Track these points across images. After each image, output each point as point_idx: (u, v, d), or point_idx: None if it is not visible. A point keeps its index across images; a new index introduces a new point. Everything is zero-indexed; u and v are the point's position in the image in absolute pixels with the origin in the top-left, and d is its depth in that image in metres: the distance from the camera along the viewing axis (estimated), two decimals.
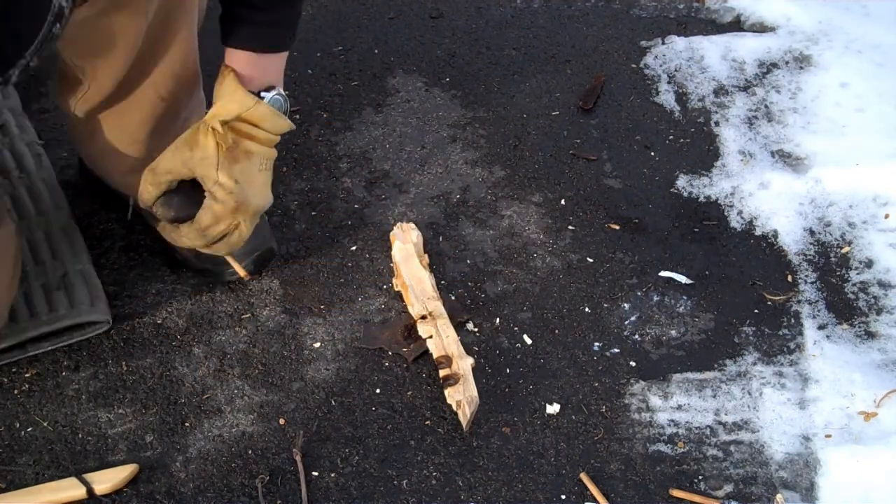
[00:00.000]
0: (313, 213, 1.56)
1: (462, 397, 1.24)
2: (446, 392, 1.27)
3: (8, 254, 1.14)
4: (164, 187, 1.18)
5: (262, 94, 1.17)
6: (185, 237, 1.19)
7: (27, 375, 1.29)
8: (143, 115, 1.22)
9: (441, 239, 1.54)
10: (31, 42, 0.81)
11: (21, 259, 1.16)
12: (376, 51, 1.90)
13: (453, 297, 1.44)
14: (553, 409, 1.30)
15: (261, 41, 1.17)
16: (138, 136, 1.25)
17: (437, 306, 1.36)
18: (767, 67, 1.89)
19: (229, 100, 1.14)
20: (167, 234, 1.20)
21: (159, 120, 1.24)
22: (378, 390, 1.31)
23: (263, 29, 1.17)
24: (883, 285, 1.49)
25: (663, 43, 1.96)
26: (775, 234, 1.57)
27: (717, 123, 1.78)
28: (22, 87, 1.67)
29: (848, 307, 1.46)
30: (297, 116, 1.74)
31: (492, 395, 1.32)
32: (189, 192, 1.18)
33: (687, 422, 1.30)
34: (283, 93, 1.19)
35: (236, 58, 1.17)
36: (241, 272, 1.33)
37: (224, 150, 1.13)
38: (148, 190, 1.19)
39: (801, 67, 1.88)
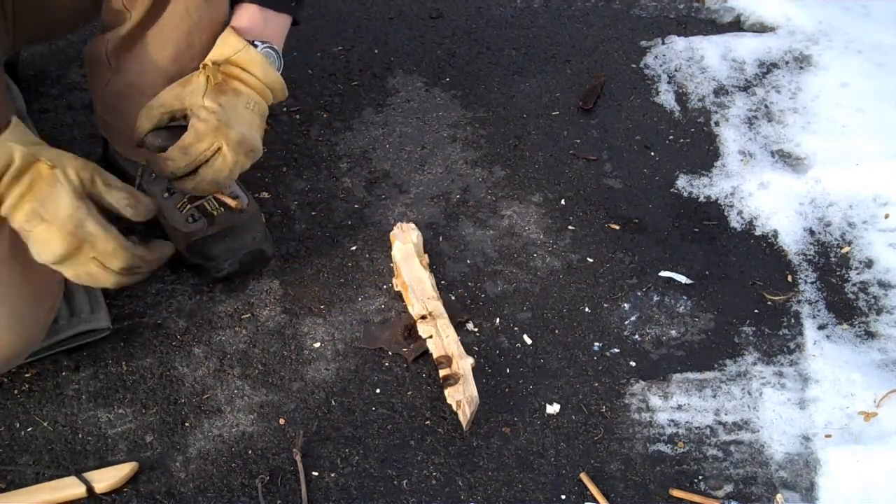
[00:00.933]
0: (313, 213, 1.56)
1: (462, 397, 1.24)
2: (446, 392, 1.27)
3: (52, 283, 1.16)
4: (155, 121, 1.22)
5: (256, 42, 1.22)
6: (170, 160, 1.21)
7: (27, 375, 1.29)
8: (170, 36, 1.25)
9: (441, 239, 1.54)
10: None
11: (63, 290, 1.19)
12: (376, 51, 1.90)
13: (453, 297, 1.44)
14: (553, 409, 1.30)
15: None
16: (162, 63, 1.27)
17: (437, 306, 1.36)
18: (767, 67, 1.89)
19: (222, 43, 1.21)
20: (157, 167, 1.23)
21: (181, 43, 1.26)
22: (378, 390, 1.31)
23: None
24: (883, 285, 1.49)
25: (663, 43, 1.96)
26: (775, 234, 1.57)
27: (717, 123, 1.78)
28: (23, 88, 1.68)
29: (848, 307, 1.46)
30: (297, 116, 1.74)
31: (492, 395, 1.32)
32: (179, 132, 1.23)
33: (687, 422, 1.30)
34: (276, 49, 1.23)
35: (240, 12, 1.23)
36: (231, 202, 1.33)
37: (213, 84, 1.19)
38: (141, 123, 1.23)
39: (801, 67, 1.88)
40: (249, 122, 1.22)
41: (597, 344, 1.40)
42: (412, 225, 1.51)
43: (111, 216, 1.11)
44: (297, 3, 1.27)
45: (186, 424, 1.26)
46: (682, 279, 1.49)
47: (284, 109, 1.75)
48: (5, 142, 1.01)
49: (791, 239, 1.56)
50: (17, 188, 1.03)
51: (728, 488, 1.23)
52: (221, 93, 1.19)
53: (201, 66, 1.21)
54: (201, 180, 1.23)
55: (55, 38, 1.80)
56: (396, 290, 1.44)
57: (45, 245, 1.05)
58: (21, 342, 1.12)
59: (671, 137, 1.76)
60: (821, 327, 1.43)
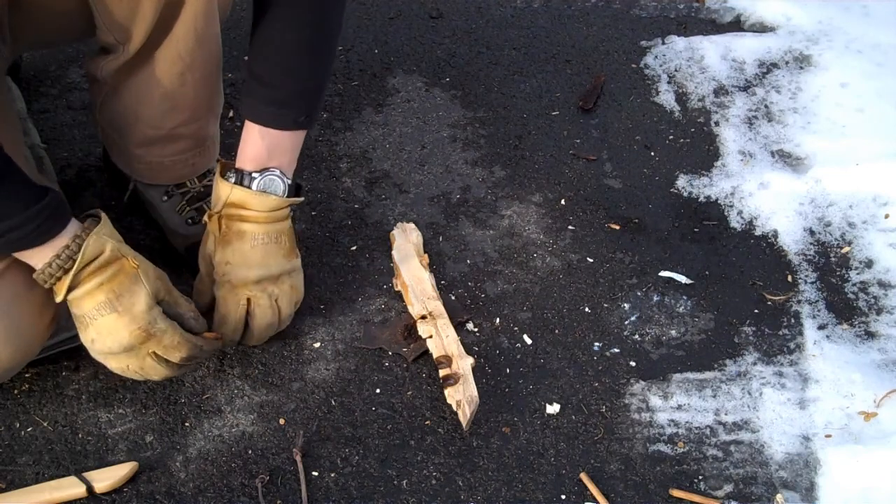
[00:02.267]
0: (313, 213, 1.56)
1: (462, 397, 1.24)
2: (446, 392, 1.27)
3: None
4: (207, 290, 1.28)
5: (255, 175, 1.21)
6: (223, 335, 1.26)
7: (27, 375, 1.29)
8: (163, 74, 1.25)
9: (441, 239, 1.54)
10: None
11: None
12: (376, 51, 1.91)
13: (453, 297, 1.44)
14: (553, 409, 1.30)
15: (266, 118, 1.21)
16: (156, 97, 1.27)
17: (437, 306, 1.36)
18: (767, 67, 1.89)
19: (215, 192, 1.24)
20: (219, 346, 1.27)
21: (172, 84, 1.26)
22: (378, 390, 1.31)
23: (269, 106, 1.20)
24: (883, 285, 1.49)
25: (663, 43, 1.96)
26: (775, 234, 1.57)
27: (717, 123, 1.78)
28: (23, 88, 1.68)
29: (848, 307, 1.46)
30: None
31: (492, 395, 1.32)
32: None
33: (687, 422, 1.30)
34: (281, 174, 1.22)
35: (246, 133, 1.23)
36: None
37: (218, 237, 1.24)
38: (199, 297, 1.30)
39: (801, 67, 1.88)
40: (263, 259, 1.23)
41: (597, 344, 1.40)
42: (412, 225, 1.51)
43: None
44: (309, 117, 1.24)
45: (186, 424, 1.26)
46: (682, 279, 1.49)
47: None
48: (100, 234, 1.07)
49: (791, 239, 1.56)
50: (99, 277, 1.08)
51: (728, 488, 1.23)
52: (227, 244, 1.23)
53: (205, 219, 1.25)
54: (257, 333, 1.28)
55: (54, 47, 1.81)
56: (396, 290, 1.44)
57: (111, 334, 1.09)
58: (20, 355, 1.13)
59: (671, 137, 1.76)
60: (821, 327, 1.43)
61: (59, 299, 1.08)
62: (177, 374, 1.18)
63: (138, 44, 1.19)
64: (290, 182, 1.24)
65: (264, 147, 1.21)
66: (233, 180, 1.22)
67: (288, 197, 1.24)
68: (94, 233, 1.06)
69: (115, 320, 1.09)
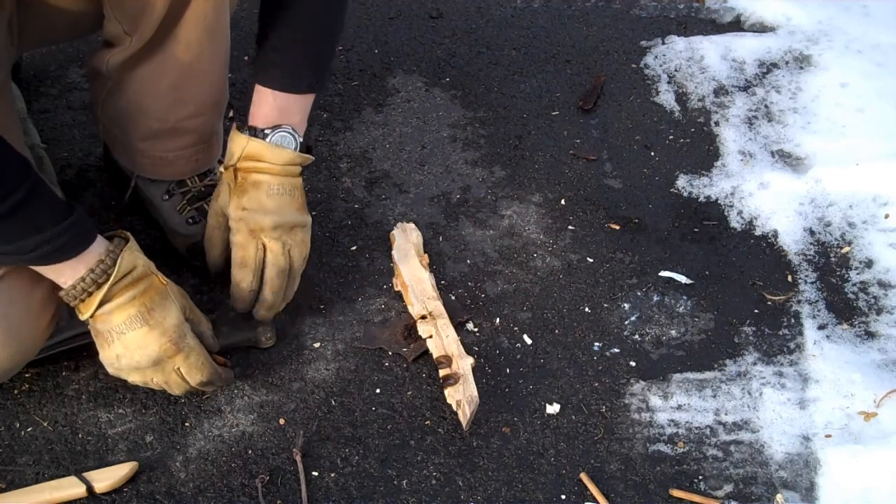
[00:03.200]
0: (313, 213, 1.56)
1: (462, 397, 1.24)
2: (446, 392, 1.27)
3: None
4: (218, 244, 1.32)
5: (267, 131, 1.25)
6: (241, 282, 1.28)
7: (27, 375, 1.29)
8: (171, 66, 1.26)
9: (441, 239, 1.54)
10: None
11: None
12: (376, 51, 1.91)
13: (453, 297, 1.44)
14: (553, 409, 1.30)
15: (277, 82, 1.24)
16: (162, 89, 1.28)
17: (437, 306, 1.36)
18: (767, 67, 1.89)
19: (230, 146, 1.27)
20: (235, 298, 1.31)
21: (181, 74, 1.27)
22: (378, 390, 1.31)
23: (281, 70, 1.24)
24: (883, 285, 1.49)
25: (663, 43, 1.96)
26: (775, 234, 1.57)
27: (717, 123, 1.78)
28: (24, 88, 1.68)
29: (848, 307, 1.46)
30: None
31: (492, 395, 1.32)
32: (237, 321, 1.33)
33: (687, 422, 1.30)
34: (293, 131, 1.26)
35: (256, 95, 1.26)
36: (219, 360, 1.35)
37: (233, 187, 1.26)
38: (210, 253, 1.34)
39: (801, 67, 1.88)
40: (278, 207, 1.25)
41: (597, 344, 1.40)
42: (412, 225, 1.51)
43: None
44: (318, 81, 1.28)
45: (186, 424, 1.26)
46: (682, 279, 1.49)
47: None
48: (133, 250, 1.09)
49: (791, 239, 1.56)
50: (131, 291, 1.09)
51: (728, 488, 1.23)
52: (243, 193, 1.25)
53: (219, 173, 1.29)
54: (272, 280, 1.27)
55: (56, 45, 1.81)
56: (396, 290, 1.44)
57: (140, 348, 1.10)
58: (19, 356, 1.13)
59: (671, 137, 1.76)
60: (821, 327, 1.43)
61: (85, 316, 1.09)
62: (183, 392, 1.20)
63: (148, 34, 1.20)
64: (301, 140, 1.27)
65: (276, 108, 1.25)
66: (248, 133, 1.25)
67: (299, 152, 1.27)
68: (128, 248, 1.08)
69: (146, 334, 1.10)
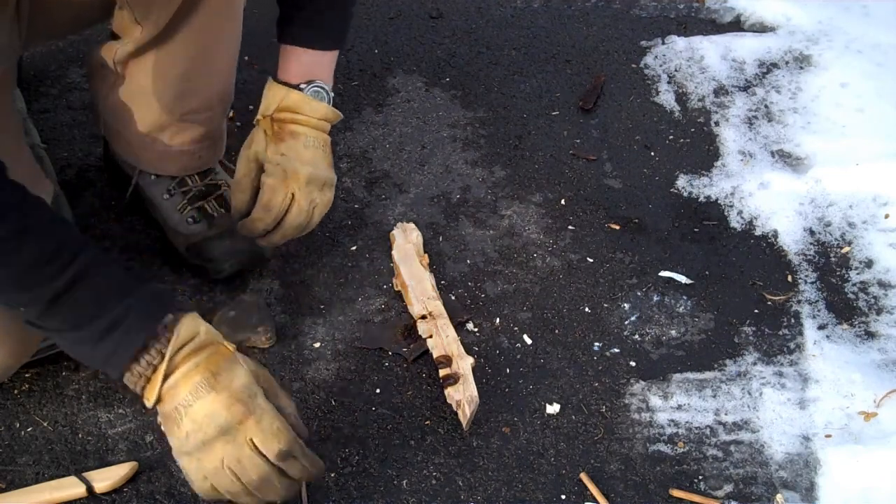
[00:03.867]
0: None
1: (462, 397, 1.24)
2: (446, 392, 1.27)
3: None
4: (247, 190, 1.31)
5: (302, 85, 1.27)
6: (258, 221, 1.28)
7: (27, 375, 1.29)
8: (182, 54, 1.27)
9: (441, 239, 1.54)
10: None
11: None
12: (376, 51, 1.91)
13: (453, 297, 1.44)
14: (553, 409, 1.30)
15: (305, 39, 1.27)
16: (172, 78, 1.29)
17: (437, 306, 1.36)
18: (767, 67, 1.89)
19: (267, 97, 1.28)
20: (247, 229, 1.31)
21: (192, 63, 1.28)
22: (378, 390, 1.31)
23: (308, 29, 1.27)
24: (883, 285, 1.49)
25: (663, 43, 1.96)
26: (775, 234, 1.57)
27: (717, 123, 1.78)
28: (24, 88, 1.68)
29: (848, 307, 1.46)
30: None
31: (492, 395, 1.31)
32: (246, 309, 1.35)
33: (687, 422, 1.30)
34: (324, 86, 1.29)
35: (284, 55, 1.28)
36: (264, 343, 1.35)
37: (271, 135, 1.26)
38: (237, 197, 1.32)
39: (801, 67, 1.88)
40: (313, 159, 1.28)
41: (597, 344, 1.40)
42: (412, 225, 1.51)
43: None
44: (342, 37, 1.31)
45: None
46: (682, 279, 1.49)
47: None
48: (194, 317, 1.00)
49: (791, 239, 1.56)
50: (195, 358, 0.98)
51: (728, 488, 1.23)
52: (280, 140, 1.26)
53: (256, 121, 1.29)
54: (287, 229, 1.30)
55: (61, 39, 1.81)
56: (396, 290, 1.44)
57: (208, 416, 0.97)
58: (13, 358, 1.13)
59: (671, 137, 1.76)
60: (821, 327, 1.43)
61: (152, 401, 0.97)
62: (275, 482, 1.02)
63: (163, 22, 1.21)
64: (332, 96, 1.30)
65: (305, 64, 1.28)
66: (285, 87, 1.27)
67: (333, 107, 1.30)
68: (188, 315, 0.99)
69: (213, 400, 0.97)
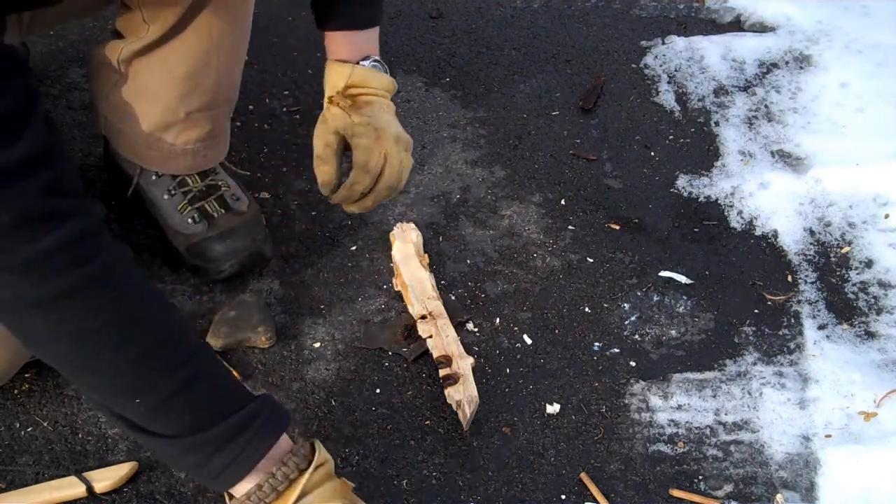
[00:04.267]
0: (313, 213, 1.56)
1: (462, 397, 1.24)
2: (446, 392, 1.27)
3: None
4: (331, 160, 1.31)
5: (361, 62, 1.30)
6: (358, 184, 1.29)
7: (27, 375, 1.29)
8: (188, 54, 1.27)
9: (441, 239, 1.54)
10: None
11: None
12: None
13: (453, 297, 1.44)
14: (553, 409, 1.30)
15: (350, 22, 1.29)
16: (177, 77, 1.29)
17: (437, 306, 1.36)
18: (767, 67, 1.89)
19: (332, 77, 1.30)
20: (346, 195, 1.32)
21: (198, 62, 1.28)
22: (378, 390, 1.31)
23: (349, 12, 1.29)
24: (883, 285, 1.49)
25: (663, 43, 1.96)
26: (775, 234, 1.57)
27: (717, 123, 1.78)
28: None
29: (848, 307, 1.46)
30: (297, 116, 1.74)
31: (492, 395, 1.32)
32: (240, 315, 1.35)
33: (687, 422, 1.30)
34: (378, 59, 1.32)
35: (333, 39, 1.31)
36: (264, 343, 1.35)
37: (347, 107, 1.28)
38: (322, 170, 1.32)
39: (801, 67, 1.88)
40: (393, 119, 1.31)
41: (597, 344, 1.40)
42: (412, 225, 1.51)
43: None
44: (381, 10, 1.33)
45: None
46: (682, 279, 1.49)
47: (284, 109, 1.75)
48: (321, 444, 0.99)
49: (791, 239, 1.56)
50: (331, 483, 0.97)
51: (728, 488, 1.23)
52: (360, 108, 1.28)
53: (327, 100, 1.31)
54: (381, 190, 1.31)
55: (64, 24, 1.81)
56: (396, 290, 1.44)
57: None
58: (11, 363, 1.12)
59: (671, 137, 1.76)
60: (821, 327, 1.43)
61: None
62: None
63: (171, 21, 1.21)
64: (387, 68, 1.32)
65: (355, 44, 1.30)
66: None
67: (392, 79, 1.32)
68: (318, 443, 0.98)
69: None
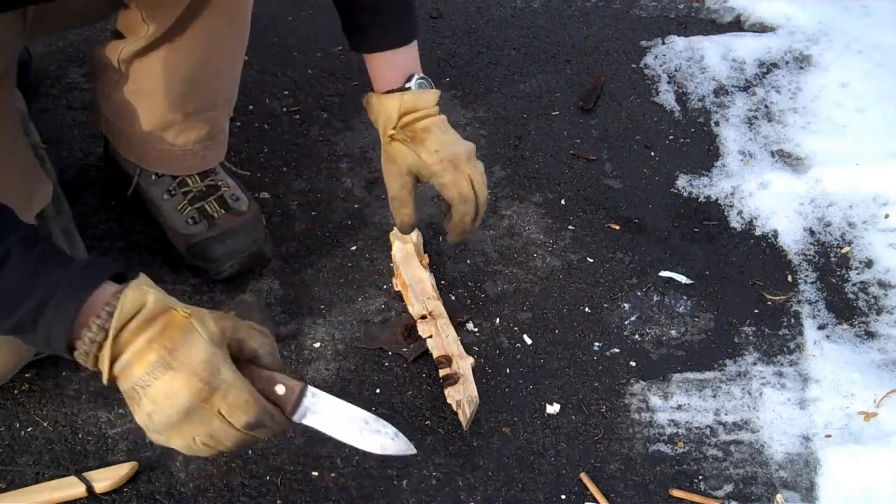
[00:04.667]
0: (313, 213, 1.56)
1: (462, 397, 1.24)
2: (446, 391, 1.27)
3: None
4: (408, 202, 1.33)
5: (406, 84, 1.30)
6: (467, 216, 1.30)
7: (27, 375, 1.29)
8: (188, 54, 1.27)
9: (441, 239, 1.54)
10: None
11: None
12: None
13: (453, 297, 1.44)
14: (553, 409, 1.30)
15: (388, 42, 1.29)
16: (176, 78, 1.29)
17: (437, 306, 1.36)
18: (767, 67, 1.89)
19: (383, 111, 1.29)
20: (459, 230, 1.32)
21: (198, 62, 1.28)
22: (378, 390, 1.31)
23: (386, 30, 1.28)
24: (883, 285, 1.49)
25: (663, 43, 1.96)
26: (775, 234, 1.57)
27: (717, 123, 1.78)
28: (24, 88, 1.67)
29: (848, 307, 1.46)
30: (297, 116, 1.74)
31: (492, 395, 1.31)
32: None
33: (687, 422, 1.30)
34: (422, 76, 1.31)
35: (374, 63, 1.30)
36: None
37: (411, 142, 1.27)
38: (401, 213, 1.34)
39: (801, 67, 1.88)
40: (454, 137, 1.30)
41: (597, 344, 1.40)
42: None
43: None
44: (415, 24, 1.32)
45: None
46: (682, 279, 1.49)
47: (284, 109, 1.75)
48: (139, 286, 0.90)
49: (791, 239, 1.56)
50: (147, 333, 0.88)
51: (728, 488, 1.23)
52: (423, 141, 1.27)
53: (386, 136, 1.30)
54: (480, 209, 1.32)
55: (66, 31, 1.81)
56: (396, 290, 1.44)
57: (169, 398, 0.88)
58: (11, 362, 1.12)
59: (671, 137, 1.76)
60: (821, 327, 1.43)
61: (105, 379, 0.89)
62: (243, 445, 0.95)
63: (170, 21, 1.21)
64: (430, 80, 1.31)
65: (399, 65, 1.29)
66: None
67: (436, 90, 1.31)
68: (131, 286, 0.89)
69: (172, 379, 0.88)
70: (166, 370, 0.88)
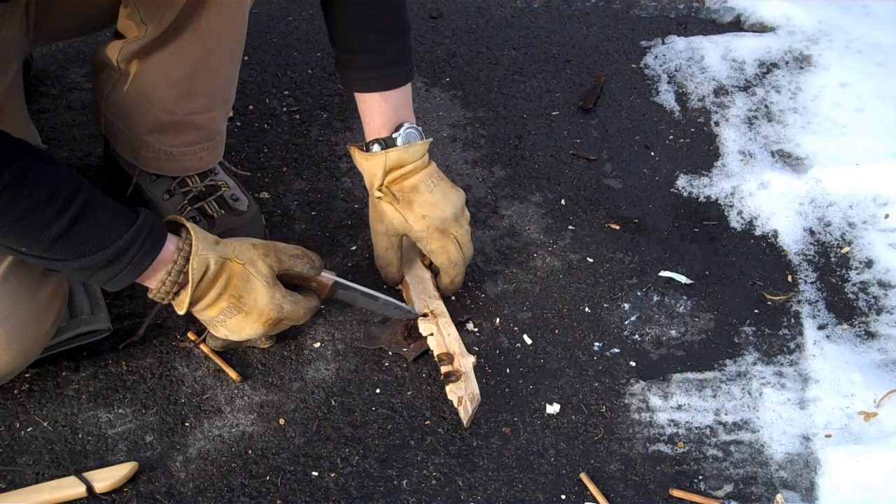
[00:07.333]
0: (313, 213, 1.56)
1: (463, 393, 1.24)
2: (447, 388, 1.27)
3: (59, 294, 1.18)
4: (394, 261, 1.38)
5: (394, 134, 1.28)
6: (458, 276, 1.38)
7: (27, 375, 1.29)
8: (185, 56, 1.27)
9: None
10: None
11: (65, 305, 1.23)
12: None
13: (453, 297, 1.44)
14: (553, 409, 1.30)
15: (378, 83, 1.27)
16: (174, 79, 1.29)
17: (439, 305, 1.36)
18: (767, 67, 1.89)
19: (368, 168, 1.30)
20: (451, 288, 1.41)
21: (196, 63, 1.28)
22: (378, 390, 1.31)
23: (381, 70, 1.26)
24: (883, 285, 1.49)
25: (663, 43, 1.96)
26: (775, 234, 1.57)
27: (717, 123, 1.78)
28: (24, 88, 1.67)
29: (848, 307, 1.46)
30: (297, 116, 1.74)
31: (492, 395, 1.32)
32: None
33: (687, 422, 1.30)
34: (412, 125, 1.29)
35: (365, 104, 1.29)
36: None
37: (397, 203, 1.29)
38: (387, 272, 1.41)
39: (801, 67, 1.88)
40: (443, 196, 1.31)
41: (597, 344, 1.40)
42: None
43: None
44: (411, 64, 1.30)
45: (186, 424, 1.26)
46: (682, 279, 1.49)
47: (284, 109, 1.75)
48: (199, 252, 1.10)
49: (791, 239, 1.56)
50: (214, 290, 1.14)
51: (728, 488, 1.23)
52: (411, 203, 1.29)
53: (376, 196, 1.30)
54: (467, 262, 1.39)
55: (68, 39, 1.81)
56: (397, 289, 1.44)
57: (244, 329, 1.18)
58: (19, 359, 1.13)
59: (671, 137, 1.76)
60: (821, 327, 1.43)
61: (182, 311, 1.14)
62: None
63: (167, 22, 1.21)
64: (420, 129, 1.31)
65: (390, 109, 1.28)
66: (379, 148, 1.28)
67: (425, 139, 1.32)
68: (193, 254, 1.10)
69: (244, 319, 1.17)
70: (238, 312, 1.16)
